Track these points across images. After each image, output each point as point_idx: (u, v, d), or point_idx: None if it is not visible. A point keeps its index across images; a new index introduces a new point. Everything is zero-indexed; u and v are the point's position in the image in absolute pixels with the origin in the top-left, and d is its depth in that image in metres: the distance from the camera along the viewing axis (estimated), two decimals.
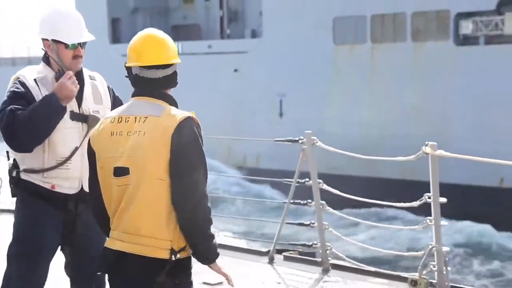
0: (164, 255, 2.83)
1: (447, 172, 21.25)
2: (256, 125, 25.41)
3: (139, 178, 2.78)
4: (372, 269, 6.17)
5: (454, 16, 22.36)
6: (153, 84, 2.91)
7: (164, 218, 2.80)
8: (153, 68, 2.90)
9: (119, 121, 2.86)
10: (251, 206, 23.19)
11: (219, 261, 3.01)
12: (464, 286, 5.76)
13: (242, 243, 8.52)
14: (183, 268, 2.94)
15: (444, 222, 5.43)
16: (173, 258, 2.85)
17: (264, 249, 6.78)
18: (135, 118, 2.84)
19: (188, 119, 2.83)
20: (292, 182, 6.37)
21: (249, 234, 21.31)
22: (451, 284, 5.52)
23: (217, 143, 24.93)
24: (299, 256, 6.54)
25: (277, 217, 6.60)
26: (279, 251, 6.67)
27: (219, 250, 2.99)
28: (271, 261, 6.51)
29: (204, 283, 5.70)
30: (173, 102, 2.92)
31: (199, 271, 6.07)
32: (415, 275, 5.51)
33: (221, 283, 5.57)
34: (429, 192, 5.28)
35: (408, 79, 22.54)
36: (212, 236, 2.90)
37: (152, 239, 2.80)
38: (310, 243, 6.51)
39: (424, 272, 5.48)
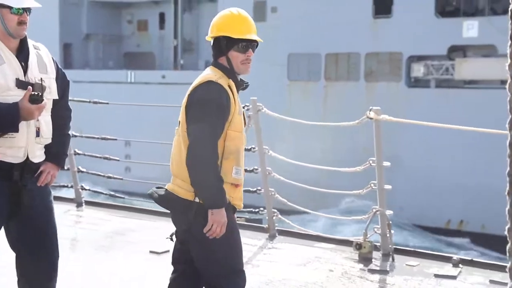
0: (190, 196, 3.22)
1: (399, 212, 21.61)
2: None
3: (179, 129, 3.35)
4: (318, 234, 6.19)
5: (406, 59, 22.86)
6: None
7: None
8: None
9: None
10: None
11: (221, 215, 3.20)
12: (407, 248, 5.80)
13: None
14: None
15: (387, 186, 5.49)
16: (197, 200, 3.20)
17: None
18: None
19: (207, 82, 3.24)
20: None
21: None
22: (394, 246, 5.57)
23: (169, 175, 24.64)
24: (245, 223, 6.53)
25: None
26: None
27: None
28: None
29: (151, 251, 5.68)
30: (224, 69, 3.31)
31: (146, 239, 6.02)
32: (359, 239, 5.55)
33: (168, 251, 5.54)
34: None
35: (360, 118, 22.81)
36: (207, 184, 3.14)
37: (182, 181, 3.25)
38: (257, 210, 6.52)
39: (369, 235, 5.54)
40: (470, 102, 20.88)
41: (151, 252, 5.72)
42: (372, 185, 5.60)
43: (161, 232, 6.41)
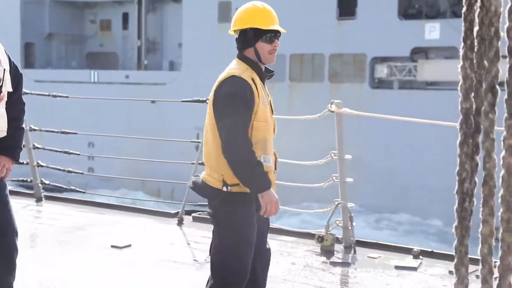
0: (218, 185, 3.41)
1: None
2: (172, 158, 25.09)
3: (207, 122, 3.51)
4: (280, 227, 6.18)
5: (370, 60, 23.07)
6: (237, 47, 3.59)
7: (214, 154, 3.42)
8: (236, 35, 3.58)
9: None
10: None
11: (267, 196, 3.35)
12: (369, 241, 5.85)
13: (151, 205, 8.40)
14: (235, 200, 3.41)
15: (349, 179, 5.53)
16: (225, 189, 3.40)
17: (173, 211, 6.75)
18: None
19: (230, 77, 3.40)
20: (200, 142, 6.41)
21: (158, 196, 21.03)
22: (356, 239, 5.61)
23: (132, 175, 24.48)
24: (208, 217, 6.47)
25: (187, 179, 6.60)
26: (188, 212, 6.64)
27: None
28: (180, 222, 6.46)
29: (113, 246, 5.63)
30: (249, 62, 3.48)
31: (107, 234, 5.94)
32: (321, 232, 5.57)
33: (129, 245, 5.62)
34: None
35: (324, 119, 22.95)
36: (251, 174, 3.33)
37: (211, 171, 3.46)
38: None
39: (331, 228, 5.57)
40: (432, 103, 21.17)
41: (112, 246, 5.64)
42: (333, 178, 5.62)
43: (122, 226, 6.35)
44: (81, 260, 5.29)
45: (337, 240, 5.61)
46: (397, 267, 5.13)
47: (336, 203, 5.60)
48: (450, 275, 4.96)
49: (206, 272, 4.60)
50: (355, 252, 5.48)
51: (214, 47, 25.16)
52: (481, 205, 1.62)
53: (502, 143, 1.53)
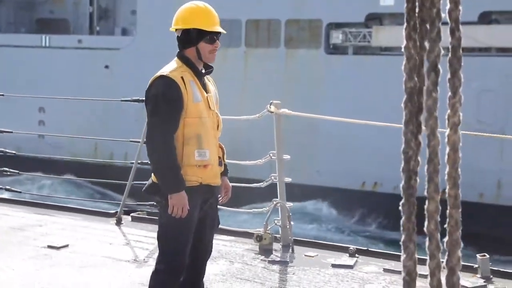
0: (155, 179, 3.61)
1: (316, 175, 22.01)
2: (124, 122, 24.81)
3: None
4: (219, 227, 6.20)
5: (325, 26, 23.08)
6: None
7: None
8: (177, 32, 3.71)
9: None
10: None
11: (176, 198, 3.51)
12: (306, 240, 5.99)
13: (89, 205, 8.36)
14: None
15: (287, 179, 5.63)
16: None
17: (112, 211, 6.73)
18: None
19: (158, 78, 3.57)
20: (139, 141, 6.37)
21: (96, 196, 20.96)
22: (294, 238, 5.74)
23: (84, 140, 24.21)
24: (147, 217, 6.50)
25: (126, 179, 6.58)
26: (127, 212, 6.64)
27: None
28: (118, 222, 6.44)
29: (50, 246, 5.61)
30: (185, 61, 3.65)
31: (44, 234, 5.89)
32: (260, 231, 5.67)
33: (67, 245, 5.61)
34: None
35: (280, 84, 22.98)
36: (162, 173, 3.51)
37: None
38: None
39: (269, 227, 5.68)
40: (386, 68, 21.35)
41: (49, 246, 5.59)
42: (272, 177, 5.73)
43: (59, 226, 6.26)
44: (17, 261, 5.19)
45: (275, 239, 5.69)
46: (333, 265, 5.28)
47: (274, 202, 5.67)
48: (385, 272, 5.16)
49: (146, 271, 4.62)
50: (293, 251, 5.59)
51: (168, 13, 24.77)
52: (426, 183, 1.63)
53: (446, 121, 1.55)
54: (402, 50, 1.50)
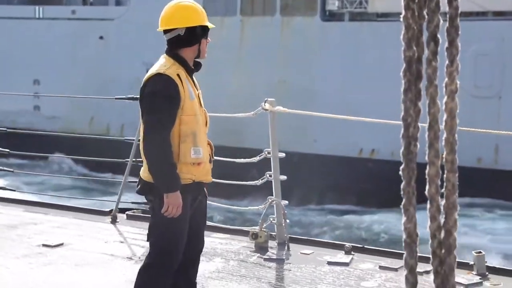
0: (149, 178, 3.61)
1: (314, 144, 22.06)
2: (120, 93, 24.71)
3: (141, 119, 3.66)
4: (214, 224, 6.31)
5: None
6: (168, 44, 3.72)
7: None
8: (165, 33, 3.71)
9: None
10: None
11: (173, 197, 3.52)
12: (302, 237, 6.04)
13: (84, 203, 8.39)
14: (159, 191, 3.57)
15: (282, 177, 5.66)
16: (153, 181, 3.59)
17: (107, 209, 6.72)
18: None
19: (155, 75, 3.55)
20: (133, 140, 6.33)
21: (92, 194, 21.04)
22: (289, 235, 5.78)
23: (80, 112, 24.18)
24: (142, 215, 6.50)
25: (121, 176, 6.59)
26: (122, 210, 6.63)
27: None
28: (114, 220, 6.43)
29: (44, 245, 5.61)
30: (177, 59, 3.62)
31: (39, 232, 5.93)
32: (255, 229, 5.70)
33: (62, 244, 5.61)
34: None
35: (276, 53, 22.89)
36: (160, 172, 3.50)
37: (145, 166, 3.63)
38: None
39: (265, 225, 5.72)
40: (383, 34, 21.26)
41: (44, 245, 5.59)
42: (267, 175, 5.73)
43: (54, 225, 6.24)
44: (12, 260, 5.20)
45: (271, 237, 5.71)
46: (329, 263, 5.30)
47: (270, 200, 5.69)
48: (381, 269, 5.19)
49: None
50: (288, 249, 5.61)
51: None
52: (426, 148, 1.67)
53: (444, 89, 1.58)
54: (401, 19, 1.52)
